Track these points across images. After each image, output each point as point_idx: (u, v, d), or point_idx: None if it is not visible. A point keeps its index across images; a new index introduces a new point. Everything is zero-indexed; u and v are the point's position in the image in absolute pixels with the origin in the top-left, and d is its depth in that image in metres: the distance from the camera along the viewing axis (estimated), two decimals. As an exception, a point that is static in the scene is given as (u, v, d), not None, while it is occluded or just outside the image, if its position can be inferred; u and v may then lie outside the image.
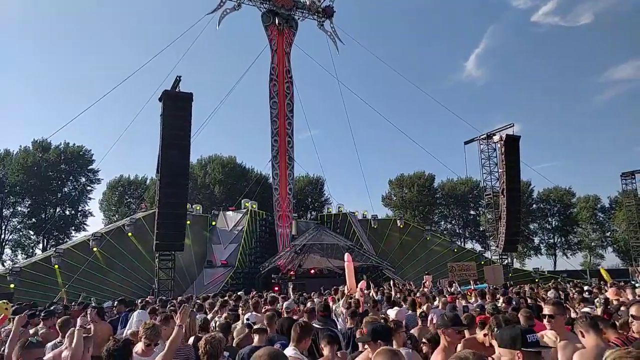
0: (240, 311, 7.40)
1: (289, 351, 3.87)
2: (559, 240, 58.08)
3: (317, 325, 5.74)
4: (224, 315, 7.37)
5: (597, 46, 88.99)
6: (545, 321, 4.02)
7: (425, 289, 13.63)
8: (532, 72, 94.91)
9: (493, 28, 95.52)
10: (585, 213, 56.33)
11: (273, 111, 33.05)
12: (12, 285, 21.72)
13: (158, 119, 23.73)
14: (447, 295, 10.79)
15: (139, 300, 10.83)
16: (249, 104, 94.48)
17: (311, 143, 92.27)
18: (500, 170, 34.13)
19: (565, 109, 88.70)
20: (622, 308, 6.86)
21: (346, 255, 9.92)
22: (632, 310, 3.78)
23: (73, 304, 13.92)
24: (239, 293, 12.49)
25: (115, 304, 9.95)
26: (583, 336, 3.49)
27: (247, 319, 7.27)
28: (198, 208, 32.37)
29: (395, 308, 7.84)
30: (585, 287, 13.69)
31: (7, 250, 46.16)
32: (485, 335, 4.28)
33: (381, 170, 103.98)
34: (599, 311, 5.78)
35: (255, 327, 5.84)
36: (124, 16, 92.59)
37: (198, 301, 10.47)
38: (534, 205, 57.49)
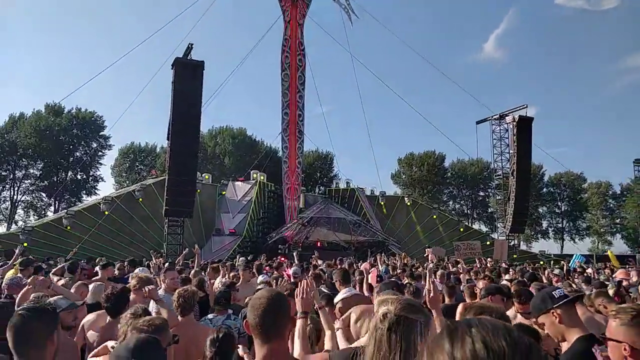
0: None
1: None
2: (567, 224, 57.85)
3: (325, 291, 5.88)
4: (232, 274, 7.57)
5: (619, 31, 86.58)
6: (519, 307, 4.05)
7: (431, 264, 13.71)
8: (552, 55, 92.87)
9: (515, 9, 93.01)
10: (596, 199, 55.85)
11: (284, 84, 32.81)
12: (24, 244, 22.19)
13: (170, 87, 23.73)
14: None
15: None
16: (260, 76, 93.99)
17: (322, 119, 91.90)
18: (511, 152, 33.86)
19: (583, 94, 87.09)
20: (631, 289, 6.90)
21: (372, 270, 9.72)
22: None
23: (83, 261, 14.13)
24: (241, 258, 12.68)
25: (126, 264, 10.06)
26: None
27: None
28: (207, 177, 32.61)
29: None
30: (588, 269, 13.71)
31: (20, 211, 47.10)
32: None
33: (391, 148, 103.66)
34: (611, 292, 5.78)
35: (260, 285, 6.01)
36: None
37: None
38: (544, 189, 57.11)
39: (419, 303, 1.65)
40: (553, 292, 2.58)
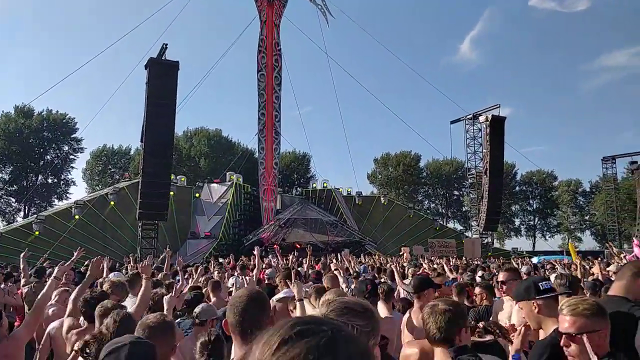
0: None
1: None
2: (539, 222, 59.22)
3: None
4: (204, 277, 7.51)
5: (590, 33, 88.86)
6: (498, 288, 4.13)
7: (405, 263, 13.85)
8: (525, 56, 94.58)
9: (489, 11, 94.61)
10: (566, 196, 57.33)
11: (260, 84, 32.70)
12: (-8, 250, 21.59)
13: (144, 88, 23.40)
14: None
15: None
16: (236, 77, 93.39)
17: (299, 120, 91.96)
18: (484, 151, 34.51)
19: (556, 94, 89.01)
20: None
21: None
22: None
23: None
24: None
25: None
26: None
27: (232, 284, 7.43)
28: (183, 179, 32.22)
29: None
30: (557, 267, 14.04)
31: (-13, 217, 45.67)
32: None
33: (368, 148, 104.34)
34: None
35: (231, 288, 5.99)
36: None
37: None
38: (517, 188, 58.31)
39: (361, 306, 1.58)
40: (539, 284, 2.60)
